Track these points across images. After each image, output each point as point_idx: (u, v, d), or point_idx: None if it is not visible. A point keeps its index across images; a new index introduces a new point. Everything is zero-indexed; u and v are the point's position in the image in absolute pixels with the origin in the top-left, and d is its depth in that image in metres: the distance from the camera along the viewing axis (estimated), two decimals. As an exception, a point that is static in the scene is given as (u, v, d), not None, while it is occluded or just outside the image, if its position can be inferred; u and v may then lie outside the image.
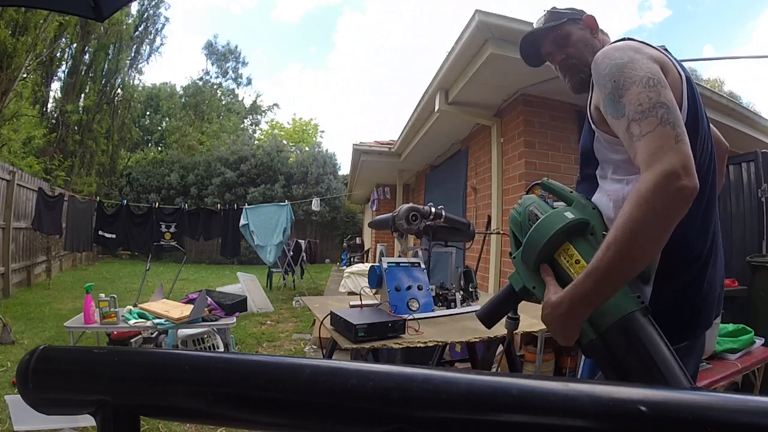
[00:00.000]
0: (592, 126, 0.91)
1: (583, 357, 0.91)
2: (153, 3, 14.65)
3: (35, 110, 10.07)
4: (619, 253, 0.65)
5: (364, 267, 4.91)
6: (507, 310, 0.89)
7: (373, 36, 47.92)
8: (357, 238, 11.03)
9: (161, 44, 15.39)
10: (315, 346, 3.88)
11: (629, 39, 0.88)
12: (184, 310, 2.89)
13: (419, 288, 1.69)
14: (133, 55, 14.04)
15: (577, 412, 0.26)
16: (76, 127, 11.42)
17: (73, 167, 10.68)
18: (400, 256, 1.88)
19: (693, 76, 0.89)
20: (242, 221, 6.67)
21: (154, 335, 3.31)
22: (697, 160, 0.84)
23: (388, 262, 1.68)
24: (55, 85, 11.57)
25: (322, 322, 1.49)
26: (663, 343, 0.67)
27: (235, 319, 3.15)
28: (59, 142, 10.63)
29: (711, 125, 1.07)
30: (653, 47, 0.86)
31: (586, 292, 0.67)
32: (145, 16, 14.57)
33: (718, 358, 2.03)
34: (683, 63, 0.90)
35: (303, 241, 8.00)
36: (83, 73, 11.89)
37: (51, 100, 11.39)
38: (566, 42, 1.00)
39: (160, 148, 18.68)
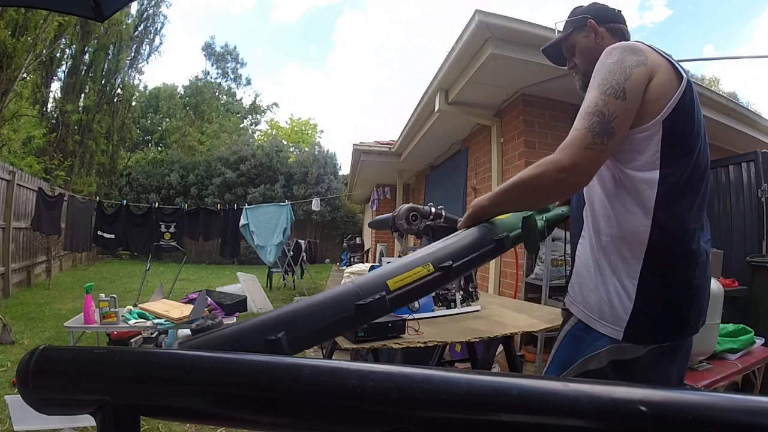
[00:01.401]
0: None
1: (555, 346, 1.03)
2: (153, 3, 14.65)
3: (35, 110, 10.05)
4: (503, 189, 0.89)
5: (364, 267, 4.89)
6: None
7: (373, 36, 47.86)
8: (357, 238, 10.99)
9: (161, 44, 15.43)
10: (315, 346, 3.88)
11: (637, 42, 0.94)
12: (184, 310, 2.90)
13: (419, 288, 1.68)
14: (132, 54, 14.03)
15: (577, 412, 0.26)
16: (76, 127, 11.39)
17: (73, 167, 10.67)
18: (400, 256, 1.87)
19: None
20: (242, 221, 6.66)
21: (154, 335, 3.31)
22: (687, 158, 0.85)
23: (387, 262, 1.68)
24: (55, 85, 11.56)
25: (322, 322, 1.48)
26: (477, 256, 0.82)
27: (235, 319, 3.15)
28: (59, 142, 10.61)
29: None
30: (656, 51, 0.90)
31: (483, 200, 0.92)
32: (145, 15, 14.56)
33: (718, 358, 2.03)
34: (684, 63, 0.92)
35: (303, 241, 7.99)
36: (83, 73, 11.87)
37: (51, 100, 11.37)
38: (573, 51, 1.13)
39: (160, 148, 18.65)
